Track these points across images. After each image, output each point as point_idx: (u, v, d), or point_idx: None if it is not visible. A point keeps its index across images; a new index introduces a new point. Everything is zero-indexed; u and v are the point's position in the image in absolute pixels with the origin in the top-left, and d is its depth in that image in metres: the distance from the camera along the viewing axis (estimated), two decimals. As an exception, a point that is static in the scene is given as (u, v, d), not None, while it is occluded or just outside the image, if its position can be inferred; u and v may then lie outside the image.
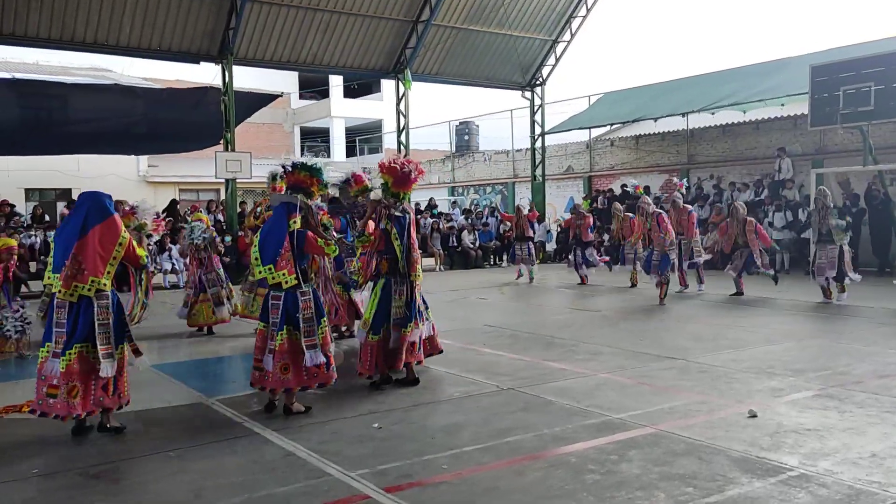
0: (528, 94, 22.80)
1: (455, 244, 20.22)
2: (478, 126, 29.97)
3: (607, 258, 15.77)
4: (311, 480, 4.11)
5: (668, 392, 6.08)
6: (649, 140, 22.61)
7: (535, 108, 22.89)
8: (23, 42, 15.89)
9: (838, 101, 13.51)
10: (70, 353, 4.85)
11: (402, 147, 20.08)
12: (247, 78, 29.18)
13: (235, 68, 18.72)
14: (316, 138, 38.74)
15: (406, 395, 6.09)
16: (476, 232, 20.58)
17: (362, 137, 35.48)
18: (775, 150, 18.26)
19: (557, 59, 22.27)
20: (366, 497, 3.88)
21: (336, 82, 35.42)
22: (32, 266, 14.93)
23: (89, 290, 4.91)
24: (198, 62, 17.58)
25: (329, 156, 37.58)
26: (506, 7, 19.94)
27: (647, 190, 20.30)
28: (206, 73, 21.36)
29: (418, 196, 27.00)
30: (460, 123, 30.04)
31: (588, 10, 21.18)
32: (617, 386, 6.33)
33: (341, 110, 36.58)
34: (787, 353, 7.54)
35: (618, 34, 57.38)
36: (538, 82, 22.64)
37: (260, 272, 5.55)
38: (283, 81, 34.39)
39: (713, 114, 21.03)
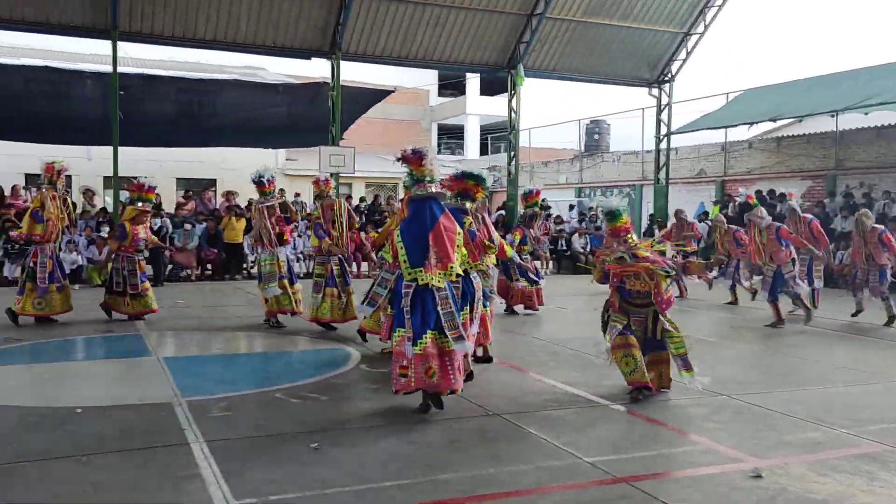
0: (654, 91, 21.39)
1: (565, 248, 19.35)
2: (609, 125, 28.63)
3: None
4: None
5: (680, 435, 5.19)
6: (792, 142, 20.52)
7: (662, 107, 21.43)
8: (150, 40, 16.78)
9: None
10: (421, 341, 5.30)
11: (511, 145, 19.46)
12: (383, 74, 29.67)
13: (370, 65, 19.19)
14: (451, 135, 38.80)
15: (386, 410, 5.62)
16: (587, 236, 19.57)
17: (494, 135, 35.04)
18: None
19: (689, 54, 20.71)
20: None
21: (472, 79, 35.23)
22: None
23: (448, 275, 5.43)
24: (309, 58, 17.89)
25: (463, 153, 37.53)
26: (630, -3, 18.77)
27: (781, 197, 18.49)
28: (353, 71, 21.76)
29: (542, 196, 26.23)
30: (591, 122, 28.83)
31: (725, -1, 19.51)
32: (622, 421, 5.51)
33: (477, 108, 36.31)
34: (862, 398, 6.30)
35: (759, 25, 52.31)
36: (666, 79, 21.17)
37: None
38: (423, 78, 34.71)
39: (867, 114, 18.72)
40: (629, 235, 6.22)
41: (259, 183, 9.33)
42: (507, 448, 4.81)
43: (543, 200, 21.86)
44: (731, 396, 6.25)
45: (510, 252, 7.33)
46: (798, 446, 4.96)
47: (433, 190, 5.74)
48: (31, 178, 22.30)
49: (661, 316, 6.15)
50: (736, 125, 20.45)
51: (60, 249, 10.50)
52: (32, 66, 18.62)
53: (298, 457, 4.53)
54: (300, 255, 16.95)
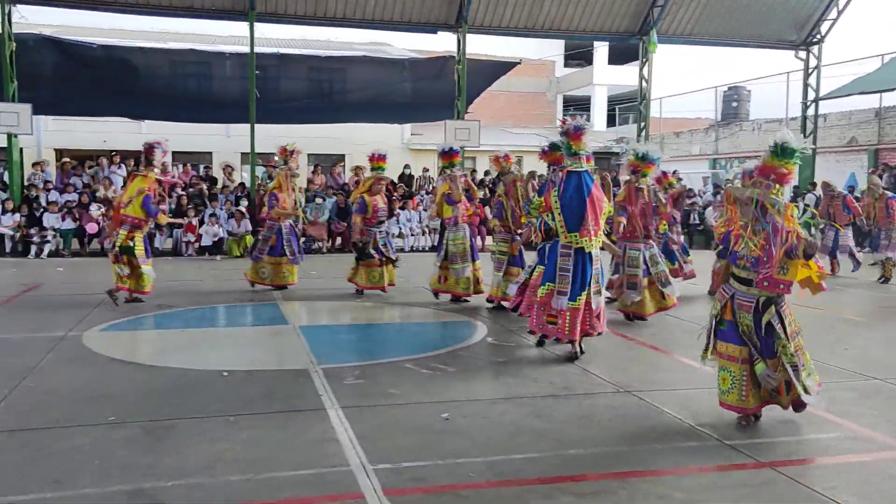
0: (801, 53, 20.00)
1: (697, 221, 18.58)
2: (749, 92, 27.03)
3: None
4: (325, 469, 3.90)
5: (828, 419, 4.88)
6: (957, 106, 18.70)
7: (810, 71, 20.02)
8: (284, 20, 17.39)
9: None
10: (580, 297, 6.11)
11: (642, 116, 18.80)
12: (508, 46, 29.36)
13: (494, 37, 19.16)
14: (577, 107, 37.93)
15: (514, 383, 5.63)
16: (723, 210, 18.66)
17: (623, 106, 33.96)
18: None
19: (840, 12, 19.20)
20: (358, 496, 3.58)
21: (600, 48, 34.22)
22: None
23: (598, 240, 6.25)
24: (435, 32, 17.95)
25: (590, 125, 36.57)
26: (775, -46, 17.57)
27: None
28: (478, 44, 21.77)
29: (672, 168, 25.22)
30: (729, 89, 27.34)
31: (881, -48, 17.89)
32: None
33: (604, 78, 35.30)
34: None
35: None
36: (815, 40, 19.74)
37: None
38: (548, 49, 34.07)
39: None
40: (777, 187, 4.50)
41: (446, 153, 9.25)
42: (640, 426, 4.70)
43: (674, 172, 21.07)
44: (885, 380, 5.83)
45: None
46: (964, 437, 4.56)
47: (585, 163, 6.23)
48: (176, 156, 23.80)
49: (772, 304, 4.50)
50: (892, 89, 18.85)
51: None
52: (178, 49, 19.75)
53: (429, 426, 4.61)
54: (425, 229, 17.21)
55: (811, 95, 20.25)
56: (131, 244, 8.62)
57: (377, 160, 9.84)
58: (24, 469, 3.86)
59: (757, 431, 4.63)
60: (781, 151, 4.48)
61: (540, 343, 6.79)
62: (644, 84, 18.97)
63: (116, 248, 8.59)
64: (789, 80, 22.93)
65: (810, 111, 20.38)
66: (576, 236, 6.16)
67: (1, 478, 3.73)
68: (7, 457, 4.01)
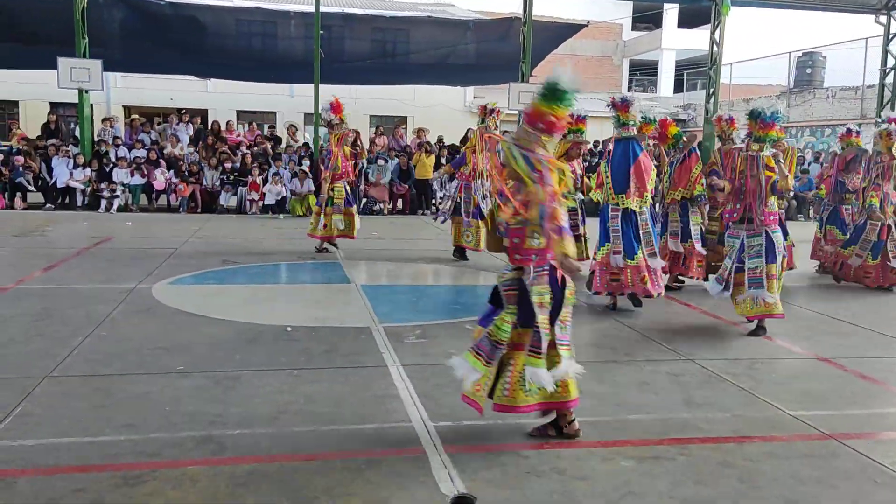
0: (882, 18, 19.01)
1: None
2: (824, 58, 25.87)
3: None
4: (387, 424, 3.97)
5: (894, 394, 4.75)
6: None
7: (890, 36, 19.03)
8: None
9: None
10: (637, 255, 6.65)
11: (711, 81, 18.19)
12: (574, 7, 28.76)
13: None
14: (644, 72, 36.97)
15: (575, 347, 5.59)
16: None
17: (691, 71, 32.95)
18: None
19: (928, -27, 18.14)
20: (419, 451, 3.64)
21: (670, 10, 33.17)
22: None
23: (644, 202, 6.73)
24: (501, -8, 17.64)
25: (656, 91, 35.71)
26: (860, -90, 16.64)
27: None
28: (543, 5, 21.27)
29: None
30: (803, 54, 26.22)
31: None
32: (831, 376, 5.11)
33: (673, 42, 34.24)
34: None
35: None
36: (898, 3, 18.74)
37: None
38: (615, 11, 33.21)
39: None
40: (549, 136, 3.72)
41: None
42: (700, 394, 4.63)
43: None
44: (963, 360, 5.60)
45: None
46: None
47: (634, 132, 6.85)
48: (241, 115, 24.15)
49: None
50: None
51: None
52: (245, 8, 19.88)
53: (489, 386, 4.62)
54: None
55: (890, 62, 19.29)
56: (332, 194, 9.77)
57: (576, 122, 8.48)
58: (97, 412, 4.02)
59: (823, 403, 4.52)
60: (552, 93, 3.66)
61: (613, 307, 7.02)
62: (715, 48, 18.32)
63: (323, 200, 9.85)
64: (868, 46, 21.91)
65: (889, 79, 19.43)
66: (622, 197, 6.71)
67: (76, 419, 3.90)
68: (81, 401, 4.19)
